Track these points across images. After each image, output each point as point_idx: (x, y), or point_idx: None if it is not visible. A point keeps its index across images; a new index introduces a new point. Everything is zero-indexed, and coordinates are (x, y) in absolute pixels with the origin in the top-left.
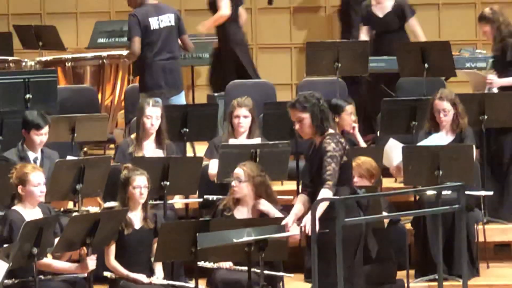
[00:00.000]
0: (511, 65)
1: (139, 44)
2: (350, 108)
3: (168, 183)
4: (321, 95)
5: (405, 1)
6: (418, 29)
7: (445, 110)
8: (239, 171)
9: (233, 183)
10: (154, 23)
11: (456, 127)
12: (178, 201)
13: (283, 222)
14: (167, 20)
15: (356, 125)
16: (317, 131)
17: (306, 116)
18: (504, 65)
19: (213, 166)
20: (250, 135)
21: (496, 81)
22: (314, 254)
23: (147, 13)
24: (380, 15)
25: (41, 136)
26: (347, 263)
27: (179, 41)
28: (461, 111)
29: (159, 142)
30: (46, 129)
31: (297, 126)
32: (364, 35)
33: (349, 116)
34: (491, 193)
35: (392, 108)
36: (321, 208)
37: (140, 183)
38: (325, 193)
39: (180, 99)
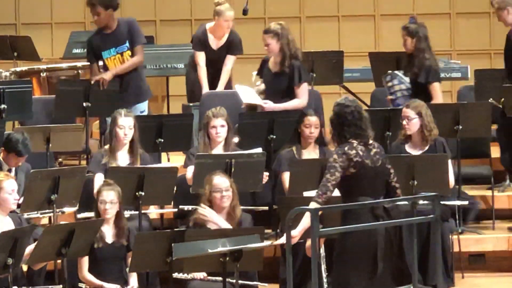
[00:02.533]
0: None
1: None
2: (308, 120)
3: (143, 193)
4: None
5: None
6: None
7: (409, 117)
8: (224, 181)
9: (223, 194)
10: None
11: (422, 138)
12: (153, 211)
13: (293, 233)
14: None
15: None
16: (333, 139)
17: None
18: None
19: (190, 171)
20: (226, 146)
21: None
22: (289, 265)
23: None
24: None
25: (19, 160)
26: (364, 273)
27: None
28: (427, 123)
29: (132, 152)
30: (25, 157)
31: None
32: None
33: (309, 128)
34: (466, 202)
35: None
36: (306, 218)
37: (106, 198)
38: (311, 204)
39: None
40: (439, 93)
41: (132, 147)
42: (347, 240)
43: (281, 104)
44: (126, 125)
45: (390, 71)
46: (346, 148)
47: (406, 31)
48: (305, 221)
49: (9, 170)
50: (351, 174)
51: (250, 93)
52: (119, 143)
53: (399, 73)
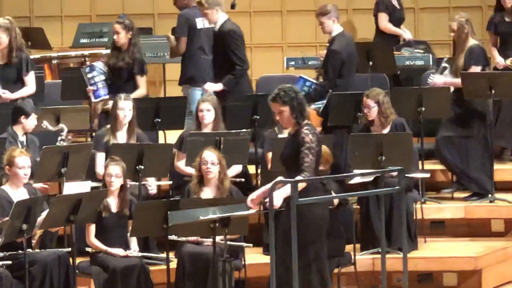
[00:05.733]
0: None
1: (185, 43)
2: None
3: (142, 167)
4: (297, 88)
5: None
6: None
7: (369, 106)
8: (211, 155)
9: (208, 166)
10: (200, 23)
11: (382, 122)
12: (153, 183)
13: (249, 197)
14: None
15: None
16: (295, 122)
17: (285, 109)
18: None
19: (180, 161)
20: (214, 128)
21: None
22: (271, 229)
23: (194, 14)
24: None
25: (33, 121)
26: (319, 243)
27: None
28: (384, 110)
29: (130, 132)
30: (33, 116)
31: (277, 118)
32: None
33: None
34: (428, 175)
35: (341, 100)
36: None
37: (112, 171)
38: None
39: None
40: None
41: (130, 127)
42: (312, 212)
43: (16, 93)
44: (126, 107)
45: (89, 63)
46: (314, 129)
47: None
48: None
49: (22, 144)
50: (317, 151)
51: None
52: (119, 124)
53: (98, 65)
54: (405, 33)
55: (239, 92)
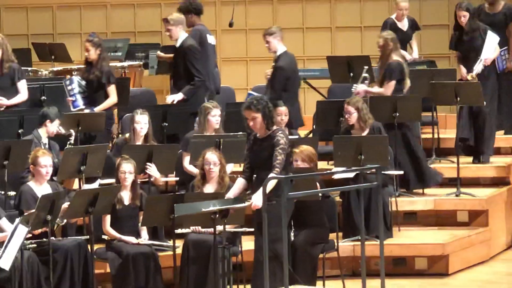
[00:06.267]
0: None
1: None
2: (279, 110)
3: (151, 165)
4: (268, 98)
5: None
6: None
7: (350, 112)
8: (213, 157)
9: (211, 166)
10: (210, 39)
11: (361, 126)
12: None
13: (226, 197)
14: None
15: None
16: (266, 127)
17: (258, 116)
18: None
19: (186, 162)
20: (217, 130)
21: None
22: (264, 220)
23: (206, 30)
24: None
25: (54, 127)
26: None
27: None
28: (363, 115)
29: (146, 143)
30: (56, 122)
31: (250, 123)
32: None
33: (280, 116)
34: (401, 172)
35: (325, 108)
36: (271, 184)
37: (125, 169)
38: (272, 177)
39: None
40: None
41: (147, 139)
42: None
43: (11, 100)
44: (142, 121)
45: (68, 76)
46: (286, 133)
47: None
48: (235, 189)
49: (44, 145)
50: (287, 152)
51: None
52: (136, 136)
53: (76, 78)
54: (407, 54)
55: (196, 100)
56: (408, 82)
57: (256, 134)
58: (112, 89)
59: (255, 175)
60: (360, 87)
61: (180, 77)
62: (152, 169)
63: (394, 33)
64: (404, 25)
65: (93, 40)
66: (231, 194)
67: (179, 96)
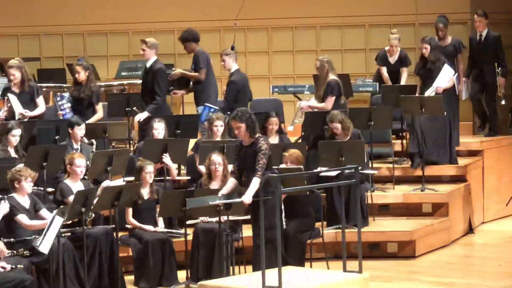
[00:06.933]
0: None
1: (205, 73)
2: (270, 120)
3: (167, 154)
4: (250, 111)
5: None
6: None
7: (336, 127)
8: (218, 158)
9: (216, 166)
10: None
11: (344, 133)
12: (176, 178)
13: (220, 193)
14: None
15: (275, 130)
16: (250, 135)
17: (242, 125)
18: None
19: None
20: (222, 137)
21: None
22: (261, 213)
23: (207, 52)
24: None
25: (80, 131)
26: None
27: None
28: (345, 124)
29: None
30: (82, 126)
31: (236, 132)
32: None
33: (271, 125)
34: (375, 172)
35: (311, 117)
36: (256, 185)
37: (149, 170)
38: (256, 180)
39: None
40: None
41: None
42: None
43: (33, 112)
44: (159, 127)
45: (59, 93)
46: (267, 139)
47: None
48: (228, 187)
49: (77, 150)
50: (269, 156)
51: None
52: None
53: (66, 95)
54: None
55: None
56: (343, 98)
57: (241, 141)
58: (99, 107)
59: (244, 176)
60: (303, 103)
61: (147, 93)
62: (167, 159)
63: (329, 56)
64: (394, 59)
65: (82, 64)
66: (224, 191)
67: (144, 115)
